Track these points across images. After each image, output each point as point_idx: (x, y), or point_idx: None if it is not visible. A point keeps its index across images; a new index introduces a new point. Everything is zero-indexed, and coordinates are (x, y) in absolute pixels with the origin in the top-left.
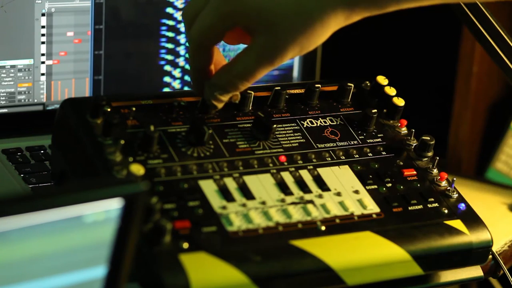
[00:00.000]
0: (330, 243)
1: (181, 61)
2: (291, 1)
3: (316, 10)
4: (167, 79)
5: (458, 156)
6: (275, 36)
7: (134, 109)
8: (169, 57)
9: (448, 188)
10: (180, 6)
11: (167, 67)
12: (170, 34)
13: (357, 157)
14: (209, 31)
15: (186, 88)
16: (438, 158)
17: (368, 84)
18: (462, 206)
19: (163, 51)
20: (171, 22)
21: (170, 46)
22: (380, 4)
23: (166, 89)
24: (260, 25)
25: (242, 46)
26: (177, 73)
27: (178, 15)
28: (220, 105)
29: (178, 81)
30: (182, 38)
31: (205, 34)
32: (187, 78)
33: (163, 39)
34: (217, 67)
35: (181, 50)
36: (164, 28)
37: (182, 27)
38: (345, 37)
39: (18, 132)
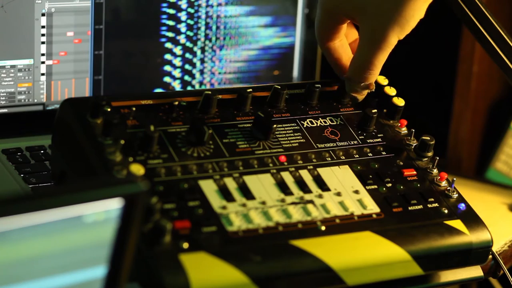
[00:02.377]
0: (330, 243)
1: (178, 62)
2: None
3: None
4: (167, 79)
5: (458, 156)
6: (372, 19)
7: (134, 109)
8: (169, 57)
9: (448, 188)
10: (181, 6)
11: (167, 67)
12: (170, 34)
13: (357, 157)
14: (321, 27)
15: (188, 88)
16: (438, 158)
17: None
18: (462, 206)
19: (163, 51)
20: (171, 22)
21: (170, 46)
22: None
23: (161, 89)
24: (357, 12)
25: None
26: (177, 73)
27: (179, 15)
28: (360, 97)
29: (178, 81)
30: (182, 39)
31: (319, 33)
32: (187, 78)
33: (163, 39)
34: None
35: (179, 50)
36: (164, 28)
37: (182, 27)
38: None
39: (18, 132)
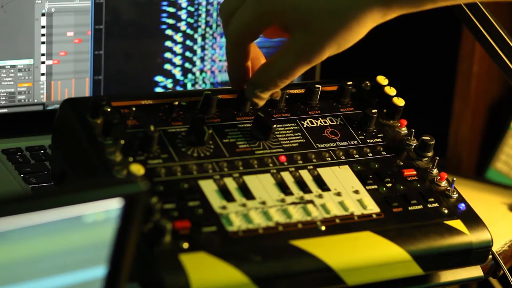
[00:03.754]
0: (330, 243)
1: (178, 49)
2: (327, 0)
3: (352, 9)
4: (167, 66)
5: (458, 156)
6: (312, 35)
7: (134, 109)
8: (170, 43)
9: (448, 188)
10: (182, 5)
11: (168, 54)
12: (170, 34)
13: (357, 157)
14: (246, 29)
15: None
16: (438, 158)
17: (368, 84)
18: (462, 206)
19: (163, 50)
20: (171, 21)
21: (170, 33)
22: (416, 2)
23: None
24: (297, 24)
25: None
26: (177, 60)
27: (180, 14)
28: (261, 103)
29: (178, 68)
30: (179, 37)
31: (242, 32)
32: (187, 65)
33: (163, 39)
34: (255, 63)
35: (179, 49)
36: (164, 27)
37: (182, 25)
38: None
39: (18, 132)
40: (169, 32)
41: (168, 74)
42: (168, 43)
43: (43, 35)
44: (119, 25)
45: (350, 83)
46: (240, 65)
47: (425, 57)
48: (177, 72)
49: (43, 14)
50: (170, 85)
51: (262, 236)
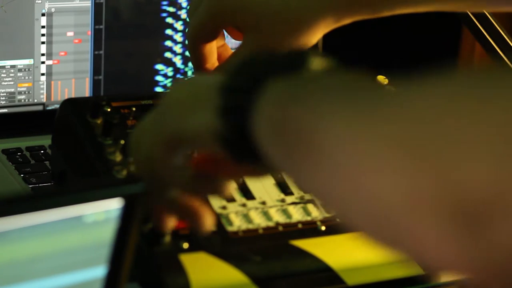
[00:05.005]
0: (330, 243)
1: (178, 60)
2: (279, 3)
3: (303, 14)
4: (168, 54)
5: None
6: (263, 37)
7: (134, 109)
8: (170, 32)
9: None
10: (182, 5)
11: (168, 42)
12: (170, 33)
13: None
14: (200, 29)
15: None
16: None
17: None
18: None
19: (163, 50)
20: (170, 20)
21: (170, 45)
22: (373, 9)
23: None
24: (249, 26)
25: None
26: (178, 48)
27: (180, 14)
28: None
29: (179, 56)
30: (179, 37)
31: (196, 32)
32: (188, 53)
33: (163, 39)
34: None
35: (179, 49)
36: (164, 28)
37: (182, 25)
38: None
39: (18, 132)
40: (169, 32)
41: (169, 62)
42: (168, 43)
43: (43, 35)
44: (119, 25)
45: None
46: (199, 66)
47: (425, 57)
48: (177, 60)
49: (43, 14)
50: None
51: (262, 236)
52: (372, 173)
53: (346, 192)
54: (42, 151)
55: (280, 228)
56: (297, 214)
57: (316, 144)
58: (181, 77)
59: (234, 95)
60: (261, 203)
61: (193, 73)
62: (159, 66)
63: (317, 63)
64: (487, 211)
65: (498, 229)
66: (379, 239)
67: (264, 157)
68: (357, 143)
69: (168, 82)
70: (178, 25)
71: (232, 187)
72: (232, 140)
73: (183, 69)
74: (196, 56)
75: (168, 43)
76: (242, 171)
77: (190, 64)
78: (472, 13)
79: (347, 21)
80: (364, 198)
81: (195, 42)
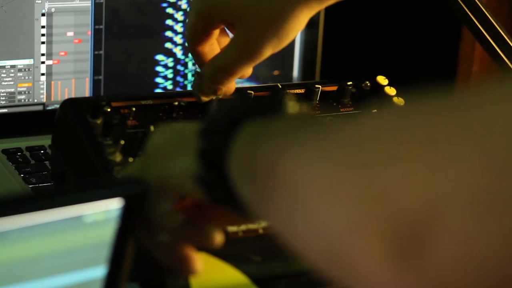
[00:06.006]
0: None
1: (178, 60)
2: None
3: (285, 7)
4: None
5: None
6: (252, 31)
7: (134, 109)
8: (170, 45)
9: None
10: (182, 6)
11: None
12: (170, 34)
13: None
14: (192, 30)
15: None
16: None
17: (368, 84)
18: None
19: (163, 50)
20: (170, 22)
21: (170, 46)
22: None
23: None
24: (237, 20)
25: None
26: (178, 51)
27: (179, 15)
28: (204, 98)
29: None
30: (179, 39)
31: (190, 34)
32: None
33: (163, 39)
34: None
35: (179, 50)
36: (164, 28)
37: (180, 28)
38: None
39: (18, 132)
40: (169, 33)
41: (170, 53)
42: (168, 45)
43: (43, 35)
44: (119, 25)
45: (350, 83)
46: (202, 65)
47: (425, 57)
48: (178, 51)
49: (43, 14)
50: (171, 65)
51: (262, 236)
52: (320, 200)
53: (299, 223)
54: (42, 151)
55: None
56: None
57: (280, 180)
58: (162, 124)
59: (212, 137)
60: None
61: (195, 71)
62: (159, 67)
63: (292, 106)
64: (422, 233)
65: (432, 252)
66: (331, 273)
67: (239, 199)
68: (309, 172)
69: (168, 83)
70: (178, 27)
71: (220, 239)
72: (211, 182)
73: (183, 70)
74: (197, 56)
75: (168, 44)
76: (226, 218)
77: (190, 65)
78: (472, 13)
79: (330, 1)
80: (314, 227)
81: (192, 44)
